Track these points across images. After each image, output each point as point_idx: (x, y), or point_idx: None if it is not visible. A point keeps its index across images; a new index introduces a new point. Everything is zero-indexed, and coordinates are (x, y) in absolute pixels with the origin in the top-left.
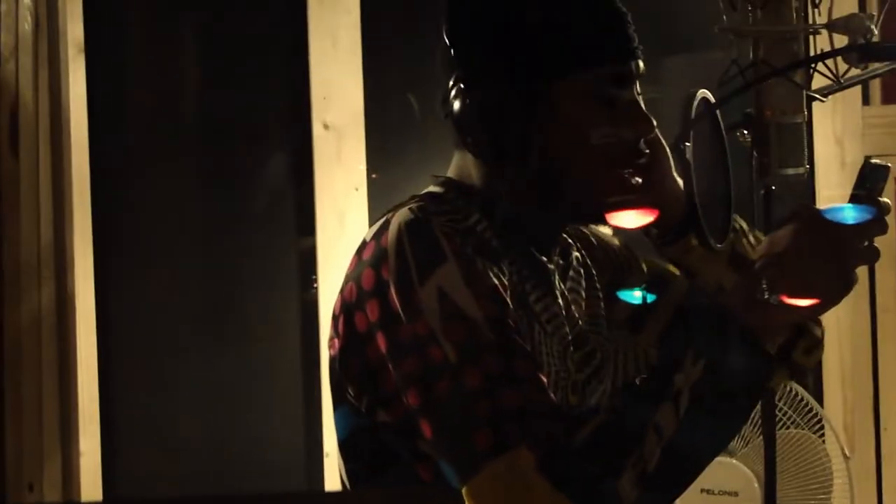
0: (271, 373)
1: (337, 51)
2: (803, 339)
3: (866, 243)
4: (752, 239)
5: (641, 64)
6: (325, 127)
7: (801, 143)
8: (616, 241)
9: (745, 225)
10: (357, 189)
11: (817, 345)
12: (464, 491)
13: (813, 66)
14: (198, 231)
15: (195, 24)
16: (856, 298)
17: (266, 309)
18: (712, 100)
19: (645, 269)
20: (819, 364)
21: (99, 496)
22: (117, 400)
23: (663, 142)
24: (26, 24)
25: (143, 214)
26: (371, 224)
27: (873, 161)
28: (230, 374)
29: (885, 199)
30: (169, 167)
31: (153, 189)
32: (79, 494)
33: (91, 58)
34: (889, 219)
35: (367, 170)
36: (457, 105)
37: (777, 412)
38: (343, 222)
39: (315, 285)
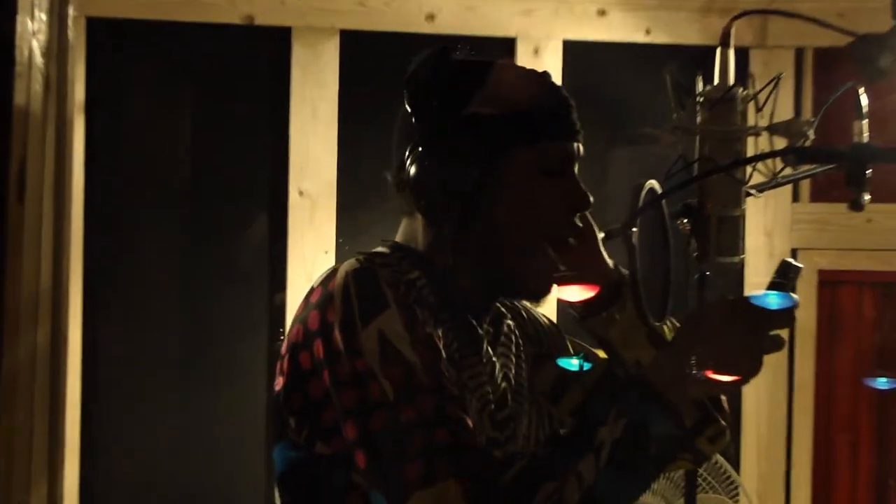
0: (239, 414)
1: (316, 123)
2: (710, 428)
3: (776, 333)
4: (669, 323)
5: (581, 147)
6: (301, 193)
7: (737, 234)
8: (546, 319)
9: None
10: (326, 252)
11: (722, 433)
12: None
13: (753, 164)
14: (179, 281)
15: (189, 92)
16: (774, 376)
17: (238, 356)
18: (659, 190)
19: (570, 348)
20: (736, 436)
21: None
22: (97, 432)
23: (592, 223)
24: (37, 85)
25: (131, 263)
26: None
27: (789, 260)
28: (202, 414)
29: (796, 296)
30: (157, 222)
31: (141, 241)
32: None
33: (90, 118)
34: (804, 309)
35: (337, 235)
36: (413, 171)
37: (698, 478)
38: (311, 281)
39: (282, 338)
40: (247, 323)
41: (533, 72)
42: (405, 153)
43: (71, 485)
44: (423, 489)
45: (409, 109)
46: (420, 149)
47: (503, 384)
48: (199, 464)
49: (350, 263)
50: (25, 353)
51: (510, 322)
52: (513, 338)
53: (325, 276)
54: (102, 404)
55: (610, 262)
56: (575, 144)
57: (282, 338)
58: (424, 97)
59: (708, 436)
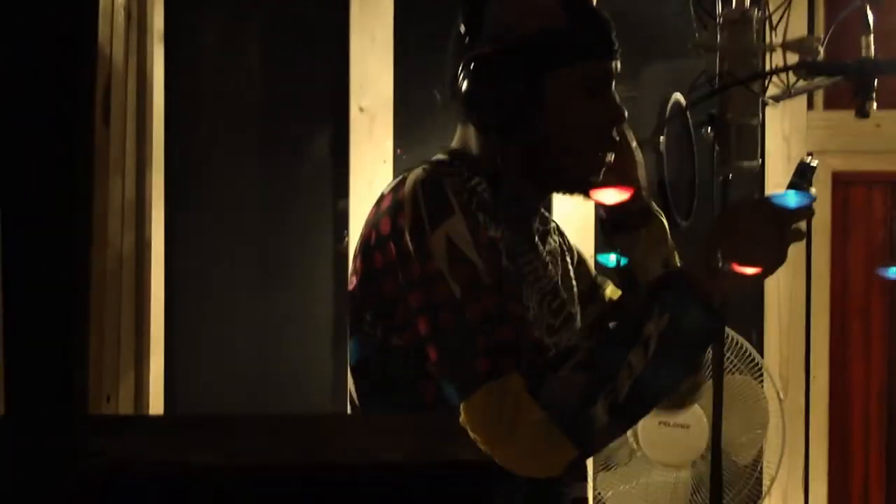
0: (309, 308)
1: (374, 47)
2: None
3: (797, 226)
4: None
5: (619, 65)
6: (361, 110)
7: (755, 141)
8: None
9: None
10: (385, 162)
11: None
12: (462, 406)
13: (769, 77)
14: (253, 192)
15: (258, 21)
16: (793, 264)
17: (306, 256)
18: (683, 102)
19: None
20: (760, 322)
21: (161, 410)
22: (180, 329)
23: (630, 141)
24: (119, 18)
25: (208, 177)
26: None
27: (806, 160)
28: (275, 310)
29: (814, 190)
30: (231, 139)
31: (217, 156)
32: (147, 408)
33: (169, 46)
34: (820, 207)
35: (394, 146)
36: (466, 85)
37: (724, 360)
38: (372, 189)
39: (346, 239)
40: (314, 227)
41: None
42: (458, 67)
43: (157, 375)
44: (489, 382)
45: (462, 28)
46: (472, 65)
47: (555, 276)
48: (274, 354)
49: (417, 173)
50: (113, 257)
51: (555, 225)
52: (557, 237)
53: (394, 184)
54: (184, 304)
55: (643, 181)
56: (613, 63)
57: (347, 238)
58: (477, 17)
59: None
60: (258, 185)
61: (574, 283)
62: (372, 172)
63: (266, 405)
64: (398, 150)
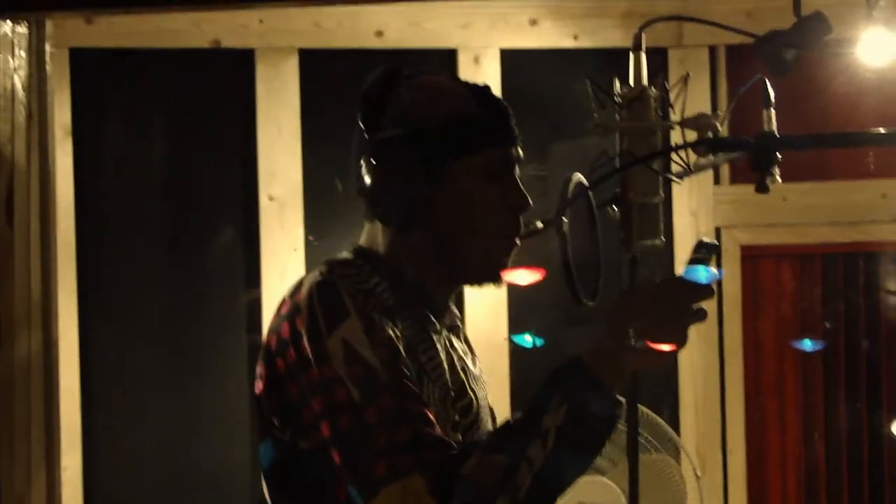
0: (223, 400)
1: (281, 136)
2: None
3: (697, 306)
4: None
5: (520, 150)
6: (270, 199)
7: (657, 219)
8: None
9: None
10: (296, 250)
11: None
12: None
13: (669, 155)
14: (164, 284)
15: (165, 113)
16: (707, 343)
17: (219, 347)
18: (585, 183)
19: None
20: (675, 399)
21: None
22: (96, 424)
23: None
24: (20, 116)
25: (120, 272)
26: None
27: (705, 239)
28: (189, 402)
29: (715, 269)
30: (141, 232)
31: (128, 251)
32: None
33: (78, 141)
34: (730, 281)
35: (305, 234)
36: (367, 181)
37: (641, 439)
38: (284, 277)
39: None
40: (227, 318)
41: (472, 85)
42: (360, 164)
43: (74, 473)
44: (389, 484)
45: (362, 120)
46: (372, 160)
47: (462, 374)
48: (189, 446)
49: (313, 276)
50: (21, 357)
51: (459, 320)
52: (465, 337)
53: (292, 288)
54: (99, 398)
55: None
56: (513, 149)
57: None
58: (374, 113)
59: None
60: (170, 278)
61: (483, 380)
62: (284, 261)
63: (183, 499)
64: (310, 237)
